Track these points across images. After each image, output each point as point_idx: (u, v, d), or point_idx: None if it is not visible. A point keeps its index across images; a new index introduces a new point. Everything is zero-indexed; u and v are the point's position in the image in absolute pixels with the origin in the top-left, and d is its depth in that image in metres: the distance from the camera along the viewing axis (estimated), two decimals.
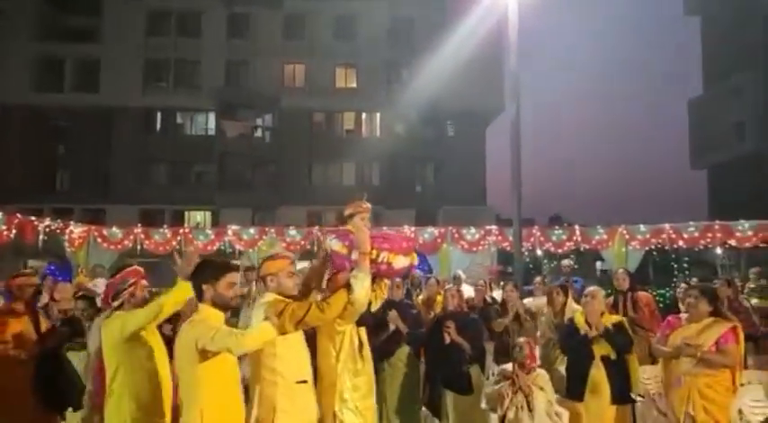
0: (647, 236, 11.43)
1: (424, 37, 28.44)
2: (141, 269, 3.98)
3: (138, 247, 11.70)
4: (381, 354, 4.98)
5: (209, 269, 3.24)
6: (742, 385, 4.58)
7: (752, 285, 9.13)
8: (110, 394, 3.60)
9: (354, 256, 3.62)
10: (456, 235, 11.87)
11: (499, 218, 26.84)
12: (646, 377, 5.07)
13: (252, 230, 11.91)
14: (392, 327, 5.11)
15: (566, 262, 9.10)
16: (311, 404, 3.53)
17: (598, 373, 4.54)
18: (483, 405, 4.96)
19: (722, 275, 12.90)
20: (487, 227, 12.31)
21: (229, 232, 11.77)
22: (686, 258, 13.25)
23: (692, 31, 43.96)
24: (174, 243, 11.60)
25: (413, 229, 12.28)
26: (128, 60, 30.01)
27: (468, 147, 30.56)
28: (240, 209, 27.71)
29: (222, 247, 11.77)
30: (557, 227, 12.92)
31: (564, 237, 11.92)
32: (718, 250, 14.54)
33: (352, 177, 31.51)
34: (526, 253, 13.18)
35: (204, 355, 3.05)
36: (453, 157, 30.27)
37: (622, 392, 4.58)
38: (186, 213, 30.56)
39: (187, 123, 32.17)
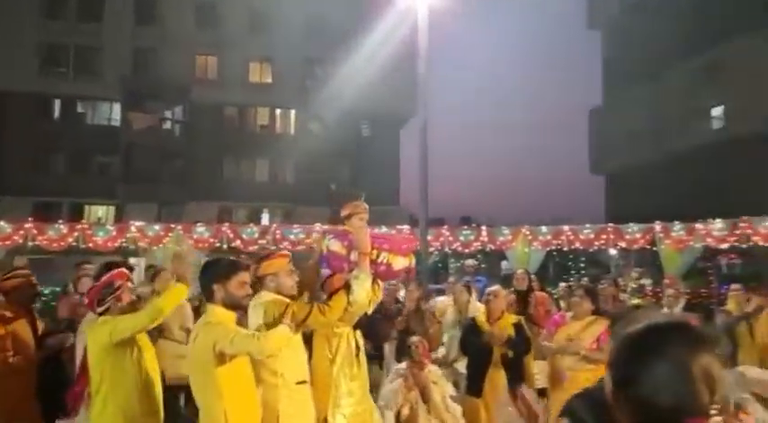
0: (548, 237, 11.96)
1: (340, 36, 28.44)
2: (127, 271, 3.75)
3: (30, 243, 10.96)
4: None
5: (219, 268, 3.15)
6: None
7: (633, 285, 9.78)
8: (95, 400, 3.43)
9: (354, 256, 3.54)
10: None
11: (412, 218, 27.29)
12: (536, 372, 5.35)
13: (157, 227, 11.45)
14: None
15: (469, 262, 9.41)
16: (310, 404, 3.50)
17: (496, 371, 4.72)
18: (380, 403, 5.04)
19: (613, 274, 13.82)
20: (399, 226, 12.50)
21: (132, 228, 11.25)
22: (583, 258, 14.11)
23: (593, 43, 46.48)
24: (70, 239, 10.96)
25: (326, 227, 12.25)
26: (20, 42, 27.97)
27: (382, 147, 30.88)
28: (146, 204, 26.57)
29: (124, 244, 11.24)
30: (465, 227, 13.30)
31: (471, 237, 12.28)
32: (612, 251, 15.55)
33: (266, 174, 31.03)
34: (436, 252, 13.51)
35: (222, 357, 2.98)
36: (368, 157, 30.48)
37: (519, 389, 4.78)
38: (86, 207, 28.96)
39: (89, 112, 30.42)
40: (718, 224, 9.76)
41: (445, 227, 12.88)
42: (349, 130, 30.67)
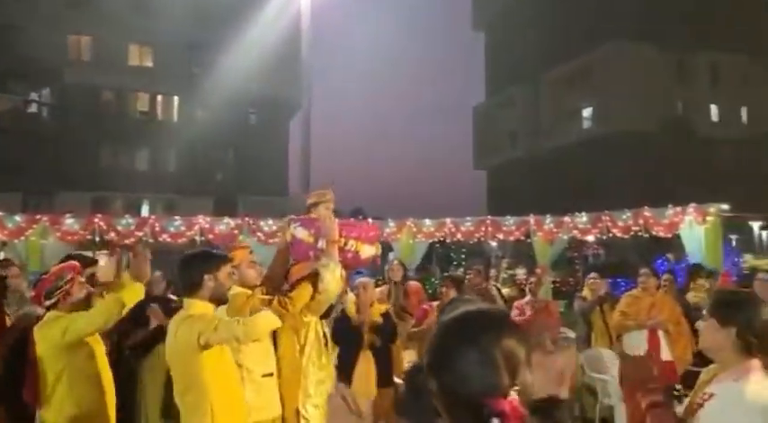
0: (432, 229, 12.34)
1: (227, 21, 27.56)
2: (77, 264, 3.46)
3: None
4: (141, 351, 4.67)
5: (208, 258, 3.09)
6: None
7: (504, 275, 10.33)
8: (52, 400, 3.20)
9: (321, 244, 3.44)
10: (253, 226, 11.75)
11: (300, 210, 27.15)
12: (406, 360, 5.53)
13: (18, 217, 10.51)
14: (154, 322, 4.69)
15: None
16: (277, 397, 3.43)
17: (365, 360, 4.85)
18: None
19: (494, 265, 14.57)
20: (290, 217, 12.37)
21: None
22: (464, 250, 14.76)
23: (478, 44, 48.44)
24: None
25: (208, 219, 11.88)
26: None
27: (271, 136, 30.35)
28: (9, 193, 24.36)
29: None
30: (352, 219, 13.43)
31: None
32: (493, 243, 16.35)
33: (146, 163, 29.50)
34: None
35: (206, 350, 2.87)
36: (256, 146, 29.85)
37: (387, 377, 4.92)
38: None
39: None
40: (583, 217, 10.53)
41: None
42: (236, 119, 29.83)
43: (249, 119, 31.40)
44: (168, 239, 10.47)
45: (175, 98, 29.98)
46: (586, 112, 38.14)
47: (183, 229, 10.64)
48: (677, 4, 34.40)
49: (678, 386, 2.16)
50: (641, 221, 9.53)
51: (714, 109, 37.60)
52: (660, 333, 5.15)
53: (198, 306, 3.04)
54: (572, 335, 6.59)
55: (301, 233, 3.61)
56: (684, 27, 34.32)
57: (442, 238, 12.68)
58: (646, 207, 9.62)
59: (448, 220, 12.33)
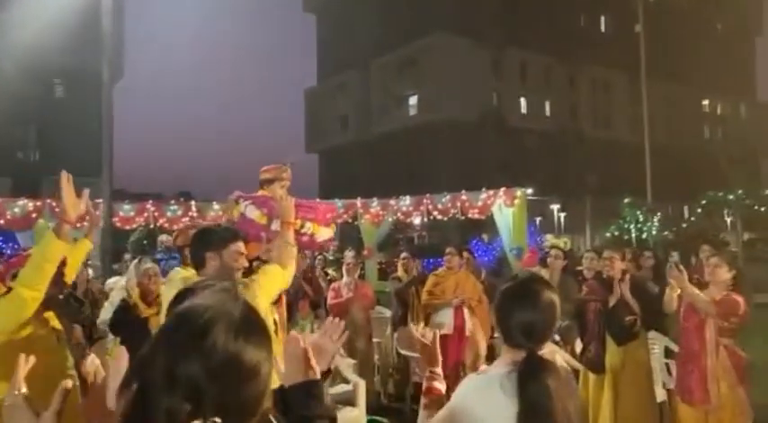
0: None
1: None
2: None
3: None
4: None
5: (215, 235, 2.78)
6: None
7: (331, 258, 10.44)
8: None
9: (275, 226, 3.08)
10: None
11: (125, 192, 25.08)
12: None
13: None
14: None
15: (163, 237, 8.94)
16: None
17: None
18: None
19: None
20: (97, 200, 11.34)
21: None
22: None
23: (310, 26, 48.20)
24: None
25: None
26: None
27: (83, 110, 27.47)
28: None
29: None
30: (173, 202, 12.68)
31: (179, 212, 11.75)
32: None
33: None
34: (141, 228, 12.66)
35: None
36: (64, 121, 26.84)
37: None
38: None
39: None
40: (407, 200, 10.94)
41: (150, 202, 12.10)
42: (39, 90, 26.51)
43: (55, 90, 28.13)
44: None
45: None
46: (412, 100, 39.87)
47: None
48: (492, 4, 37.16)
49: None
50: (458, 204, 10.12)
51: (523, 102, 41.35)
52: (465, 310, 5.43)
53: (181, 272, 2.88)
54: (387, 314, 6.80)
55: (252, 212, 3.31)
56: (498, 27, 37.20)
57: None
58: (463, 191, 10.23)
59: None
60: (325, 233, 3.54)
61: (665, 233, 22.12)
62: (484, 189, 9.90)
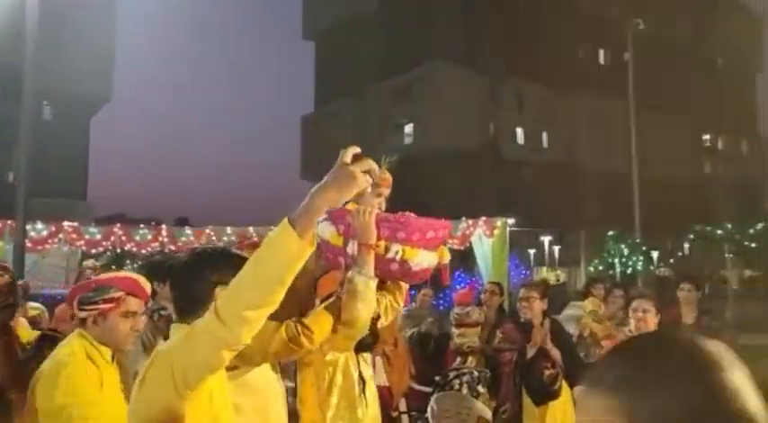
0: (233, 237, 11.71)
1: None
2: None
3: None
4: None
5: (221, 259, 1.74)
6: None
7: None
8: None
9: (351, 248, 2.26)
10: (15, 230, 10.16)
11: (105, 215, 24.69)
12: None
13: None
14: None
15: (88, 263, 8.38)
16: None
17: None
18: None
19: None
20: (66, 223, 10.98)
21: None
22: None
23: (308, 54, 48.49)
24: None
25: None
26: None
27: (68, 134, 27.21)
28: None
29: None
30: (142, 226, 12.27)
31: (149, 236, 11.37)
32: None
33: None
34: (109, 251, 12.35)
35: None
36: (50, 144, 26.51)
37: None
38: None
39: None
40: None
41: (118, 225, 11.72)
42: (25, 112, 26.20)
43: (43, 112, 27.95)
44: None
45: None
46: (408, 128, 39.70)
47: None
48: (490, 33, 37.23)
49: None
50: None
51: (520, 132, 41.15)
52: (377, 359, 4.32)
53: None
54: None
55: (327, 232, 2.36)
56: (496, 56, 37.20)
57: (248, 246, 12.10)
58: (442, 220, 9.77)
59: (251, 229, 11.82)
60: (425, 258, 2.41)
61: (661, 267, 21.52)
62: (464, 218, 9.41)
